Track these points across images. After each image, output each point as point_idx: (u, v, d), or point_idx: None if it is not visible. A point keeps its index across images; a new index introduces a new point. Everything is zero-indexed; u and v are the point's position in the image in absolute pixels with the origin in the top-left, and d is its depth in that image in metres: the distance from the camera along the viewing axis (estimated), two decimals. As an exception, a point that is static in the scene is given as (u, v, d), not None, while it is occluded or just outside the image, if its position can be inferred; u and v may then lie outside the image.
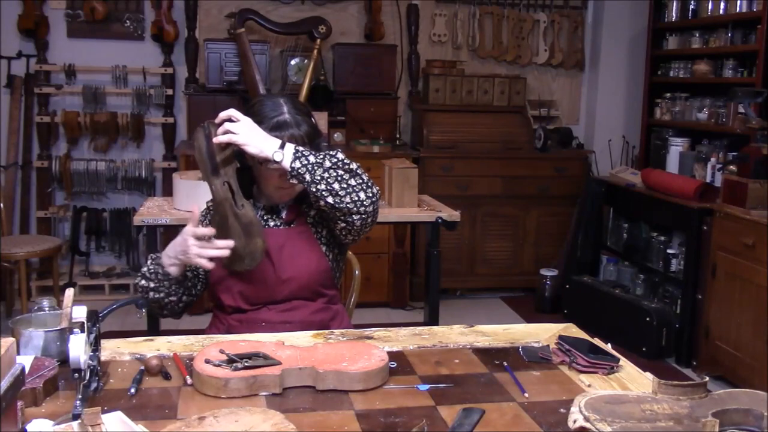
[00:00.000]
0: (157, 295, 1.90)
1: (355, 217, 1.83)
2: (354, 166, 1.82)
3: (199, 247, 1.79)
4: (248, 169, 1.95)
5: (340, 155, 1.82)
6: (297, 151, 1.79)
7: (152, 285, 1.88)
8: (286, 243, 1.94)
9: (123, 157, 4.96)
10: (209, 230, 1.81)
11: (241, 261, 1.87)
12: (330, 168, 1.79)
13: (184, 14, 4.86)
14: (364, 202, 1.81)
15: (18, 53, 4.83)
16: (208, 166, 1.87)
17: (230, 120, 1.82)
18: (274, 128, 1.86)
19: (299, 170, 1.78)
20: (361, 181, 1.82)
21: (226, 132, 1.80)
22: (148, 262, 1.91)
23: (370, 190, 1.83)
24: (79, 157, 4.91)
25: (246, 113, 1.88)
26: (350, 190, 1.80)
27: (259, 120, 1.87)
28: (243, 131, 1.79)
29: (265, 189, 1.95)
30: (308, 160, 1.78)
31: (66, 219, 4.98)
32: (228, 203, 1.86)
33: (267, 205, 2.00)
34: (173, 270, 1.86)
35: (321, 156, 1.80)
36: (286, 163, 1.78)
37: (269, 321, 1.93)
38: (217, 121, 1.84)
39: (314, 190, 1.79)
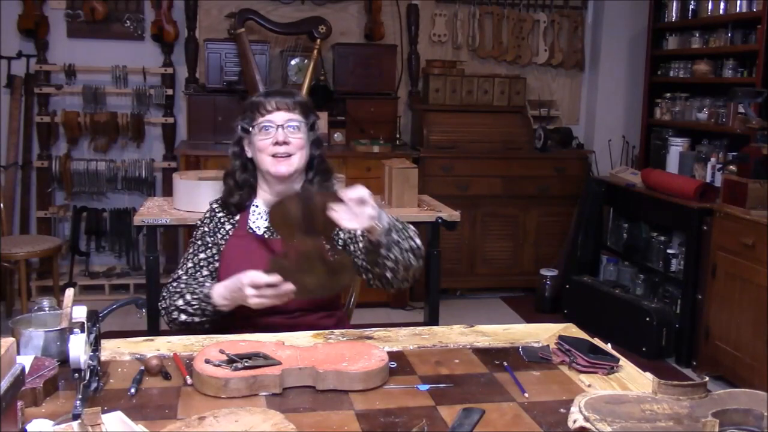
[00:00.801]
0: (201, 326, 1.91)
1: (394, 285, 1.87)
2: (422, 250, 1.86)
3: (258, 297, 1.74)
4: (249, 161, 2.00)
5: (418, 240, 1.85)
6: (389, 224, 1.78)
7: (197, 320, 1.89)
8: None
9: (123, 157, 4.96)
10: (269, 278, 1.72)
11: (311, 292, 1.81)
12: (406, 250, 1.82)
13: (184, 14, 4.86)
14: (408, 278, 1.87)
15: (18, 53, 4.83)
16: (302, 227, 1.72)
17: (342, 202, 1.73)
18: (262, 95, 1.96)
19: (381, 242, 1.78)
20: (418, 264, 1.86)
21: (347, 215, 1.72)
22: (187, 297, 1.87)
23: (418, 268, 1.88)
24: (79, 157, 4.91)
25: (245, 104, 1.99)
26: (407, 268, 1.84)
27: (256, 95, 1.98)
28: (369, 214, 1.72)
29: (262, 164, 1.95)
30: (392, 237, 1.79)
31: (66, 219, 4.98)
32: (318, 255, 1.73)
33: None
34: (226, 309, 1.86)
35: (404, 234, 1.82)
36: (380, 236, 1.77)
37: (274, 324, 1.92)
38: (348, 200, 1.70)
39: (379, 261, 1.81)
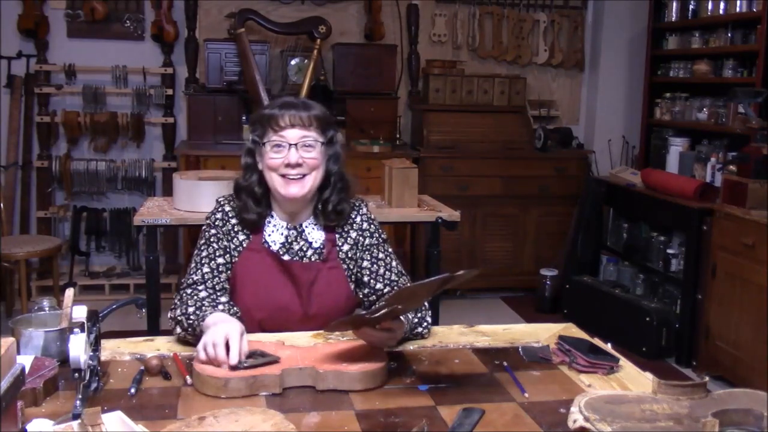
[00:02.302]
0: (189, 340, 1.74)
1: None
2: (430, 323, 1.83)
3: (204, 359, 1.55)
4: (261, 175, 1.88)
5: (426, 322, 1.81)
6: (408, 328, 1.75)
7: (189, 338, 1.72)
8: (318, 279, 1.87)
9: (123, 157, 4.96)
10: (229, 359, 1.53)
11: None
12: (410, 335, 1.79)
13: (184, 14, 4.86)
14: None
15: (18, 53, 4.83)
16: (420, 297, 1.65)
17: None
18: (276, 107, 1.81)
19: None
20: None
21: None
22: (190, 310, 1.72)
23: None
24: (79, 157, 4.91)
25: (257, 114, 1.88)
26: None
27: (270, 105, 1.84)
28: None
29: (272, 183, 1.83)
30: (406, 331, 1.76)
31: (66, 219, 4.98)
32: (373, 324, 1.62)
33: (296, 229, 1.90)
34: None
35: (418, 329, 1.79)
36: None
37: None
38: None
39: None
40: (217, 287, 1.84)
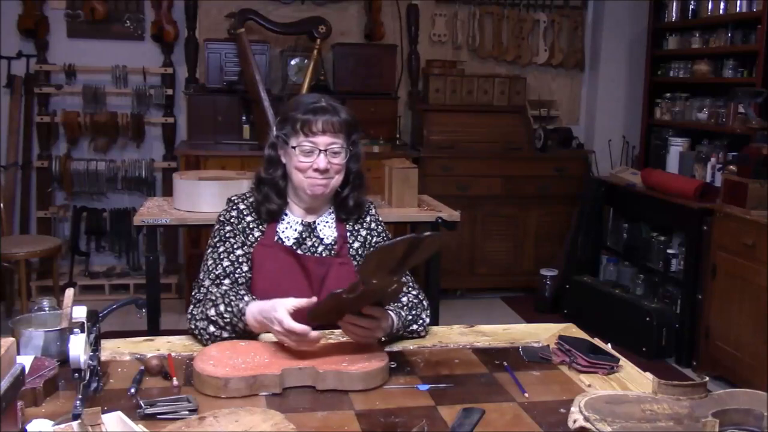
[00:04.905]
0: (225, 338, 1.74)
1: None
2: (427, 322, 1.85)
3: (283, 336, 1.60)
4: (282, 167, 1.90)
5: (422, 321, 1.83)
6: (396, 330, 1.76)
7: (225, 335, 1.73)
8: (329, 274, 1.88)
9: (123, 157, 4.96)
10: (297, 327, 1.57)
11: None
12: (404, 332, 1.80)
13: (184, 14, 4.86)
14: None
15: (18, 53, 4.83)
16: (393, 268, 1.56)
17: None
18: (309, 112, 1.82)
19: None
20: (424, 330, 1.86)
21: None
22: (220, 308, 1.72)
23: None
24: (79, 157, 4.91)
25: (283, 107, 1.89)
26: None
27: (296, 107, 1.85)
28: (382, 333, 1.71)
29: (298, 182, 1.86)
30: (398, 327, 1.77)
31: (66, 219, 4.98)
32: (381, 289, 1.60)
33: (309, 225, 1.92)
34: (256, 332, 1.73)
35: (413, 326, 1.81)
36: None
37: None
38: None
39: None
40: (240, 280, 1.84)
